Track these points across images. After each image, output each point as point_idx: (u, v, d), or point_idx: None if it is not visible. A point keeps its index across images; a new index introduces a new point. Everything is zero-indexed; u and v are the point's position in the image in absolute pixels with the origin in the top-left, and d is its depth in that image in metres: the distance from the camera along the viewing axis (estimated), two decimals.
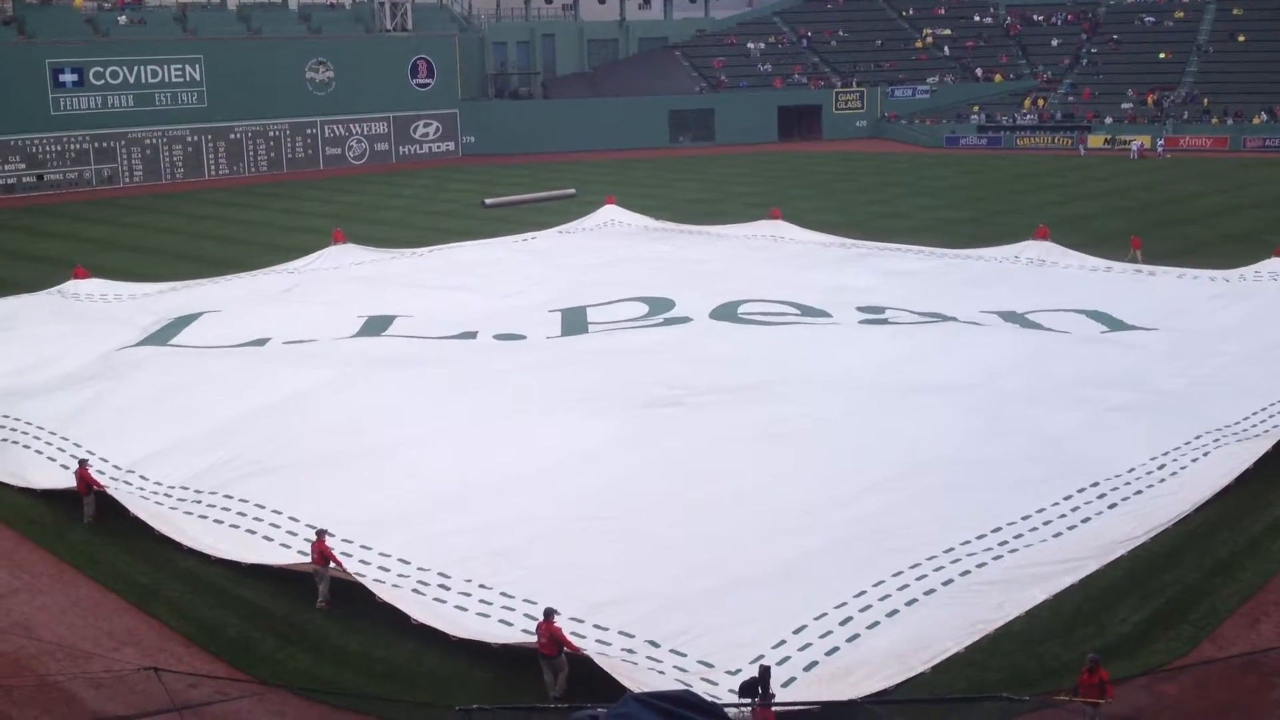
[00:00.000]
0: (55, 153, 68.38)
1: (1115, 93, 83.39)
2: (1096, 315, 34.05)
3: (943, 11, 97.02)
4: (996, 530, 19.92)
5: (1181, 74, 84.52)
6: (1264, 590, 18.52)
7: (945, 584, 18.26)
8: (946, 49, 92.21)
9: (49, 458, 25.26)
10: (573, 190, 61.30)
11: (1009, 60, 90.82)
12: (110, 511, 22.54)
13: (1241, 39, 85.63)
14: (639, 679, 15.57)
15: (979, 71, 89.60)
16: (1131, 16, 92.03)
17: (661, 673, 16.08)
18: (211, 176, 72.61)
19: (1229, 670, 16.03)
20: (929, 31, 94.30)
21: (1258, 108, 77.48)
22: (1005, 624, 17.29)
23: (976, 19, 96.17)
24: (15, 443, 26.11)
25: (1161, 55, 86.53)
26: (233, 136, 73.74)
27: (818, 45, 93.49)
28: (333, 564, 19.00)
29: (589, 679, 15.80)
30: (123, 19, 74.67)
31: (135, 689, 15.87)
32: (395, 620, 18.16)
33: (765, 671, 15.03)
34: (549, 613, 16.44)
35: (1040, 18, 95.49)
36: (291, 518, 21.41)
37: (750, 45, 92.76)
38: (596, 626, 17.38)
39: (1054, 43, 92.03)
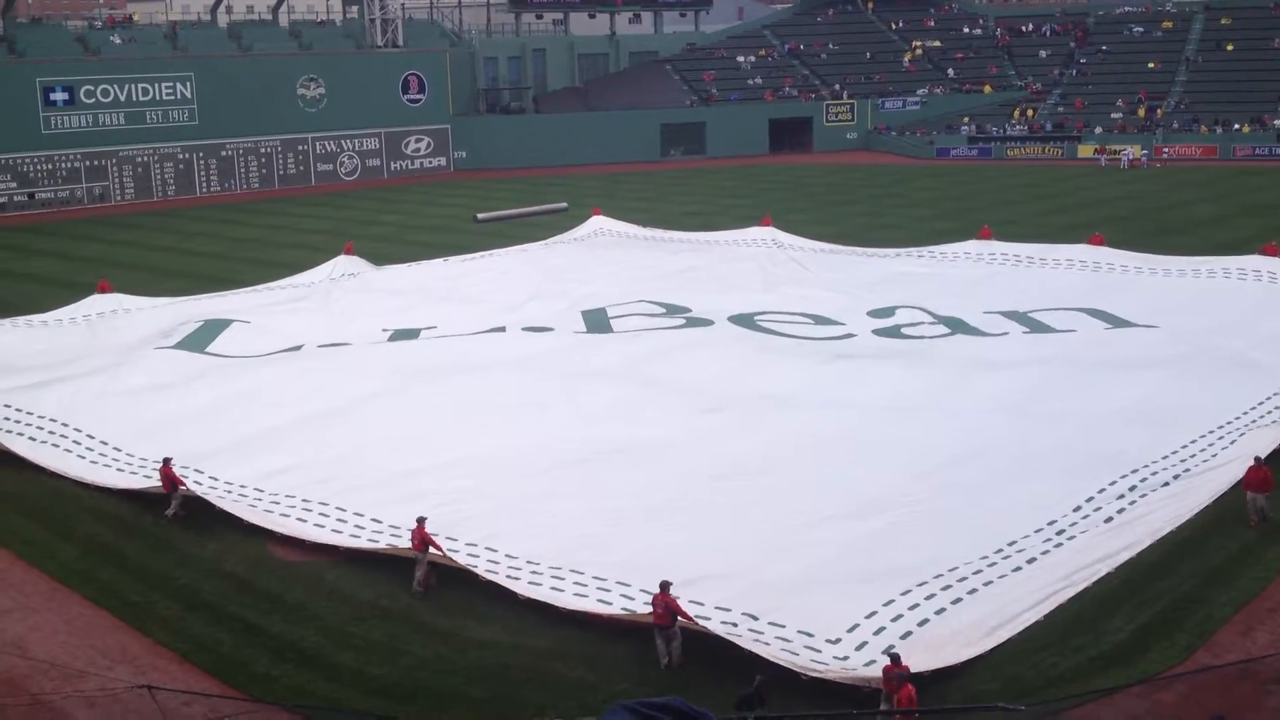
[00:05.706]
0: (46, 171, 68.19)
1: (1105, 103, 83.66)
2: (1096, 313, 34.97)
3: (932, 23, 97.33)
4: (1052, 523, 20.84)
5: (1171, 84, 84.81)
6: (1259, 598, 18.57)
7: (1015, 570, 19.15)
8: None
9: (109, 461, 25.65)
10: (564, 204, 61.22)
11: (998, 71, 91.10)
12: (109, 528, 22.55)
13: (1230, 48, 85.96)
14: (747, 648, 16.36)
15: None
16: (1120, 27, 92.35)
17: (766, 643, 16.77)
18: (203, 194, 72.45)
19: (1224, 678, 16.06)
20: (918, 44, 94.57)
21: (1246, 116, 77.75)
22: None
23: (966, 30, 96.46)
24: (70, 451, 26.24)
25: (1150, 65, 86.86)
26: (224, 154, 73.66)
27: (807, 58, 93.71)
28: (432, 549, 19.54)
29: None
30: (115, 38, 74.62)
31: (129, 707, 15.84)
32: (390, 638, 18.15)
33: (763, 684, 15.28)
34: (664, 585, 17.09)
35: (1029, 29, 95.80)
36: (374, 519, 21.94)
37: (740, 58, 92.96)
38: (693, 602, 17.90)
39: (1043, 54, 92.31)
